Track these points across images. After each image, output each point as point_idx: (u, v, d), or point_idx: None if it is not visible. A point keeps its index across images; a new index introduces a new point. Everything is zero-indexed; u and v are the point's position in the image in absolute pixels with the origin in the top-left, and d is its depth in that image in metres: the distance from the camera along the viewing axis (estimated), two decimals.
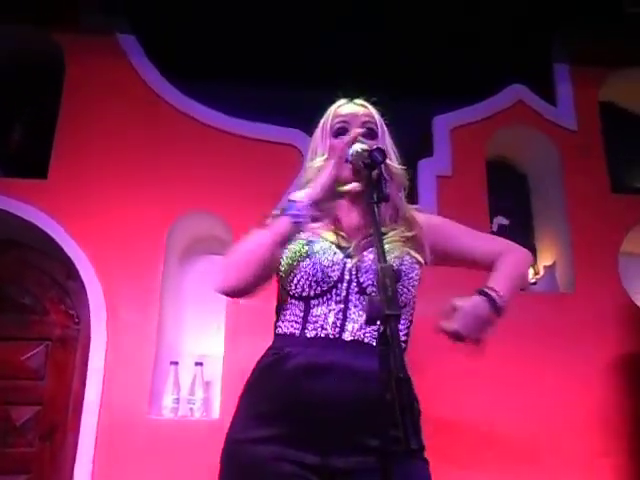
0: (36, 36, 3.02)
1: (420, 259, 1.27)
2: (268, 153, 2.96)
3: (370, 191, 1.08)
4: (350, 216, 1.30)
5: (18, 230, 2.82)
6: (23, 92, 3.16)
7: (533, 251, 3.26)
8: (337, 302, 1.18)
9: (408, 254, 1.25)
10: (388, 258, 1.12)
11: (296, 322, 1.20)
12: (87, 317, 2.72)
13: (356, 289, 1.19)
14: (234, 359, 2.65)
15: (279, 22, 3.01)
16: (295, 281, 1.21)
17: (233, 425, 1.18)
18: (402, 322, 1.23)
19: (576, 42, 3.26)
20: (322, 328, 1.17)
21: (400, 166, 1.34)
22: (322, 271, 1.19)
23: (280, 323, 1.24)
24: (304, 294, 1.20)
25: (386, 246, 1.14)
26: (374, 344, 1.14)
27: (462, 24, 3.09)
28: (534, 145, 3.22)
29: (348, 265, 1.21)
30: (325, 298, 1.19)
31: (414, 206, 1.38)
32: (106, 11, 3.03)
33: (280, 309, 1.27)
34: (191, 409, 2.65)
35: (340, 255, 1.22)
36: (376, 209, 1.04)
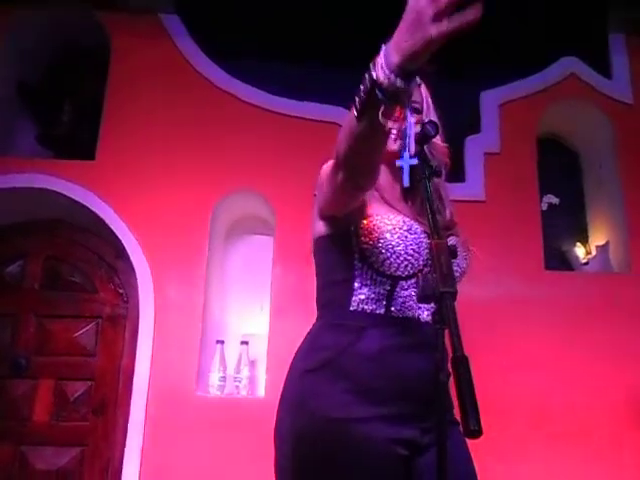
0: (82, 19, 3.05)
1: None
2: (310, 131, 2.93)
3: (422, 166, 1.04)
4: (394, 191, 1.25)
5: (67, 210, 2.88)
6: (70, 74, 3.21)
7: (585, 230, 3.16)
8: None
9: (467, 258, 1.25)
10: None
11: (378, 300, 1.14)
12: (135, 296, 2.78)
13: None
14: (279, 338, 2.66)
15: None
16: (387, 257, 1.13)
17: (322, 402, 1.08)
18: None
19: (632, 11, 3.10)
20: (408, 309, 1.15)
21: (444, 144, 1.27)
22: (418, 253, 1.14)
23: (355, 298, 1.16)
24: (397, 273, 1.14)
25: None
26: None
27: None
28: (587, 120, 3.10)
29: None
30: (414, 280, 1.15)
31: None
32: None
33: (350, 282, 1.17)
34: (237, 387, 2.69)
35: (424, 237, 1.16)
36: (428, 185, 1.00)
